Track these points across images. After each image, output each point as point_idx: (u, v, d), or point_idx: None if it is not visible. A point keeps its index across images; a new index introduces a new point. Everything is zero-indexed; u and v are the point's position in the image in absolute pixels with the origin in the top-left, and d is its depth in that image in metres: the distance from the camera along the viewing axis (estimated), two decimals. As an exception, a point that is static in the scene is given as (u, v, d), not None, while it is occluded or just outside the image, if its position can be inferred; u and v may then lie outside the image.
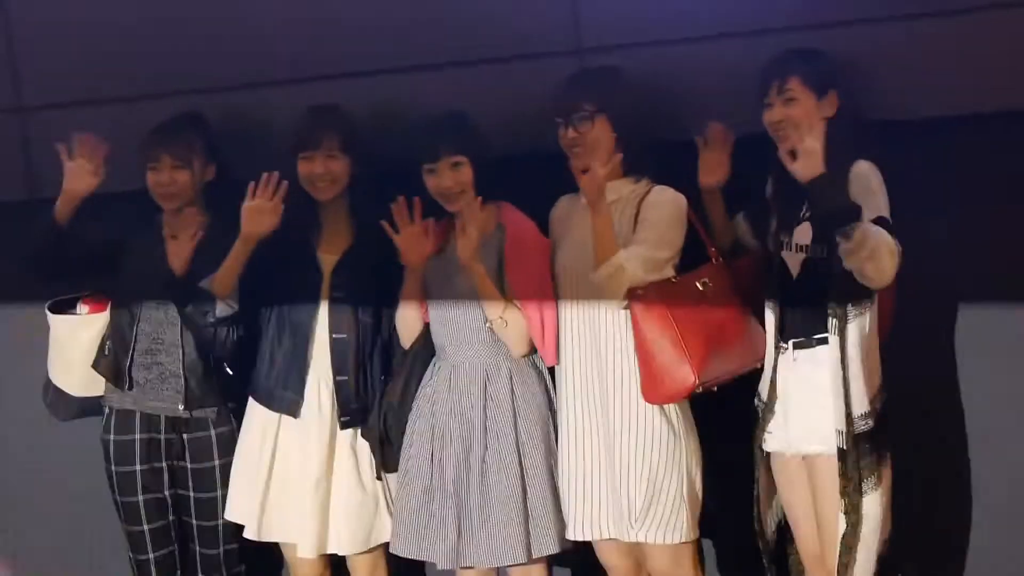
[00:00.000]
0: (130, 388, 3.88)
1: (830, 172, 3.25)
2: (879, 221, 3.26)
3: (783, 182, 3.43)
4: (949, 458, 3.86)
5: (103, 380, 3.95)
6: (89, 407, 4.02)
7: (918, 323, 3.69)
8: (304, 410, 3.76)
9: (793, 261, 3.48)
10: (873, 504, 3.37)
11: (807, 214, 3.43)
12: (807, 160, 3.24)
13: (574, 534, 3.60)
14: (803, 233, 3.46)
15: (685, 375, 3.44)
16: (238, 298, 3.72)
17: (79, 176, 3.71)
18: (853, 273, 3.26)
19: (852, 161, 3.37)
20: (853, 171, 3.35)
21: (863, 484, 3.37)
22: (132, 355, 3.87)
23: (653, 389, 3.48)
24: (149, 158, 3.81)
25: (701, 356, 3.45)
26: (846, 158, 3.35)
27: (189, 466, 3.89)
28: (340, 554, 3.80)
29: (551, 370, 3.67)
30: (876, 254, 3.20)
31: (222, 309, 3.71)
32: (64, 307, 3.99)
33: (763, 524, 3.62)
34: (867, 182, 3.33)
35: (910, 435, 3.59)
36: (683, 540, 3.52)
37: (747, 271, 3.63)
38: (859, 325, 3.35)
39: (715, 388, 3.50)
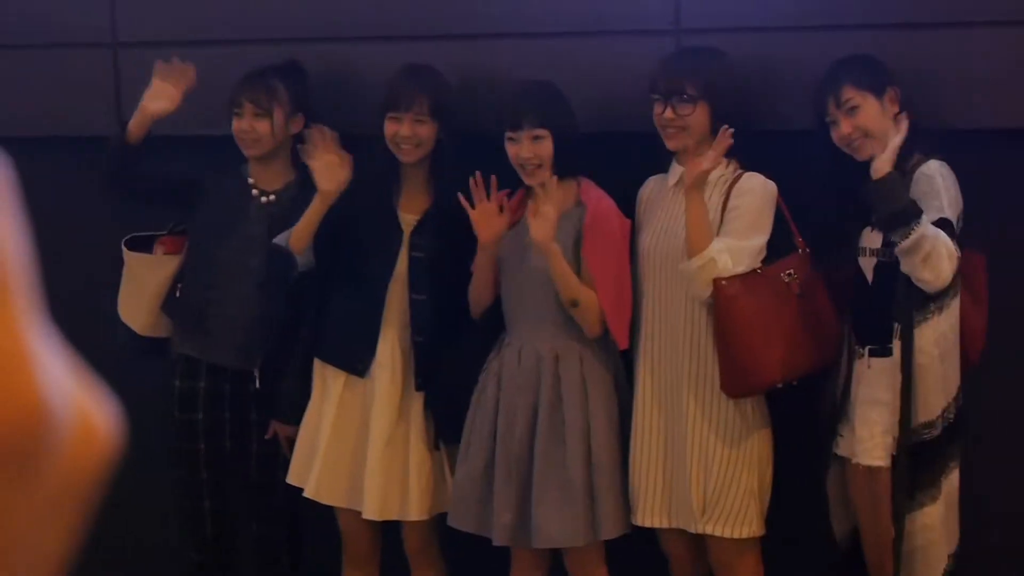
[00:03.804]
0: (198, 336, 3.83)
1: (895, 172, 3.18)
2: (940, 223, 3.18)
3: (853, 187, 3.34)
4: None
5: (169, 322, 3.90)
6: (154, 348, 3.95)
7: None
8: (375, 370, 3.67)
9: (867, 266, 3.41)
10: (931, 516, 3.30)
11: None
12: (884, 160, 3.19)
13: (640, 520, 3.53)
14: (875, 237, 3.38)
15: (768, 370, 3.36)
16: (313, 254, 3.65)
17: (157, 96, 3.72)
18: (910, 276, 3.19)
19: (920, 160, 3.28)
20: (920, 170, 3.27)
21: (919, 494, 3.30)
22: (203, 302, 3.82)
23: (733, 383, 3.39)
24: (233, 103, 3.77)
25: (785, 350, 3.36)
26: (910, 157, 3.27)
27: (253, 419, 3.83)
28: (408, 519, 3.69)
29: (625, 353, 3.60)
30: (931, 257, 3.13)
31: (302, 264, 3.65)
32: (140, 246, 3.94)
33: (833, 528, 3.55)
34: (932, 182, 3.25)
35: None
36: (751, 535, 3.46)
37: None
38: (930, 330, 3.26)
39: (795, 382, 3.42)
